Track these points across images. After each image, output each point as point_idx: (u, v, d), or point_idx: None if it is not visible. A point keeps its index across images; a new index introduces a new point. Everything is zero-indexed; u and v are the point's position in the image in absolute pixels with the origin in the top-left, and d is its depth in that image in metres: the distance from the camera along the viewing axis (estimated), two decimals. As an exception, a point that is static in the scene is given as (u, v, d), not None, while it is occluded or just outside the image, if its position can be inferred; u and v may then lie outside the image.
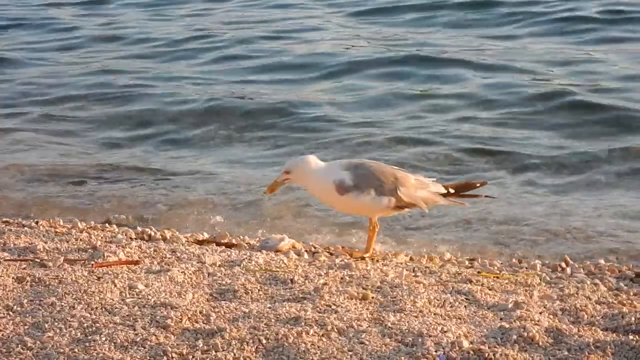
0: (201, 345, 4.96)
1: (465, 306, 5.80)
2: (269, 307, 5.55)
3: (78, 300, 5.61)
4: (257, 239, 8.14)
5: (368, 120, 13.15)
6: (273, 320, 5.29)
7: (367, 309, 5.63)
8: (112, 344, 4.96)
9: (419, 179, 7.28)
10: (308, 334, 5.09)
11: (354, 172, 7.14)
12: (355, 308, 5.63)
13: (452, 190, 7.31)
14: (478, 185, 7.42)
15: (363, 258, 7.29)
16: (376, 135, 12.34)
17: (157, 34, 20.50)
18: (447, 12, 20.79)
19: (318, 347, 4.95)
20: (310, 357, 4.83)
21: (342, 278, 6.35)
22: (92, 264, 6.53)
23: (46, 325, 5.20)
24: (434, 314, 5.57)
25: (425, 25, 20.01)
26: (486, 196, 7.46)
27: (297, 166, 7.25)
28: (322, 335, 5.11)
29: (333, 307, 5.62)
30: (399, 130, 12.59)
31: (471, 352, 4.87)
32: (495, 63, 16.12)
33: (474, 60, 16.28)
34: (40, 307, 5.51)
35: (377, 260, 7.25)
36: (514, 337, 5.09)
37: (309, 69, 16.55)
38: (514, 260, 7.67)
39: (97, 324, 5.21)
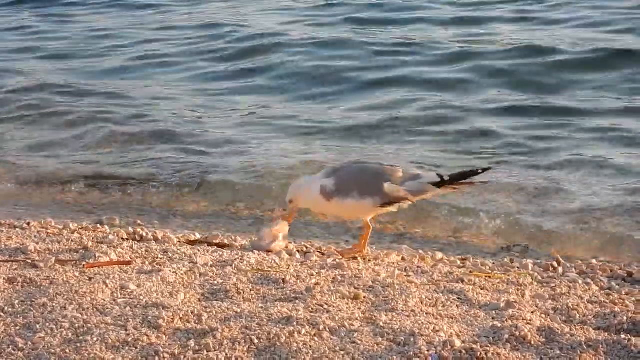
0: (193, 345, 4.94)
1: (457, 305, 5.80)
2: (261, 307, 5.54)
3: (69, 301, 5.59)
4: (249, 239, 8.14)
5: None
6: (265, 320, 5.28)
7: (359, 308, 5.62)
8: (104, 344, 4.94)
9: (408, 171, 7.24)
10: (300, 333, 5.08)
11: (335, 177, 7.17)
12: (347, 308, 5.62)
13: (446, 178, 7.11)
14: (480, 171, 7.14)
15: (355, 257, 7.28)
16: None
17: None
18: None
19: (310, 346, 4.94)
20: (302, 357, 4.82)
21: (334, 278, 6.34)
22: (84, 265, 6.51)
23: (37, 326, 5.18)
24: (426, 314, 5.57)
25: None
26: (480, 182, 7.34)
27: (295, 192, 7.33)
28: (314, 335, 5.10)
29: (325, 306, 5.61)
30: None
31: (463, 352, 4.86)
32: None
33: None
34: (32, 308, 5.49)
35: (369, 260, 7.24)
36: (506, 336, 5.08)
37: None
38: (505, 259, 7.67)
39: (89, 325, 5.19)
